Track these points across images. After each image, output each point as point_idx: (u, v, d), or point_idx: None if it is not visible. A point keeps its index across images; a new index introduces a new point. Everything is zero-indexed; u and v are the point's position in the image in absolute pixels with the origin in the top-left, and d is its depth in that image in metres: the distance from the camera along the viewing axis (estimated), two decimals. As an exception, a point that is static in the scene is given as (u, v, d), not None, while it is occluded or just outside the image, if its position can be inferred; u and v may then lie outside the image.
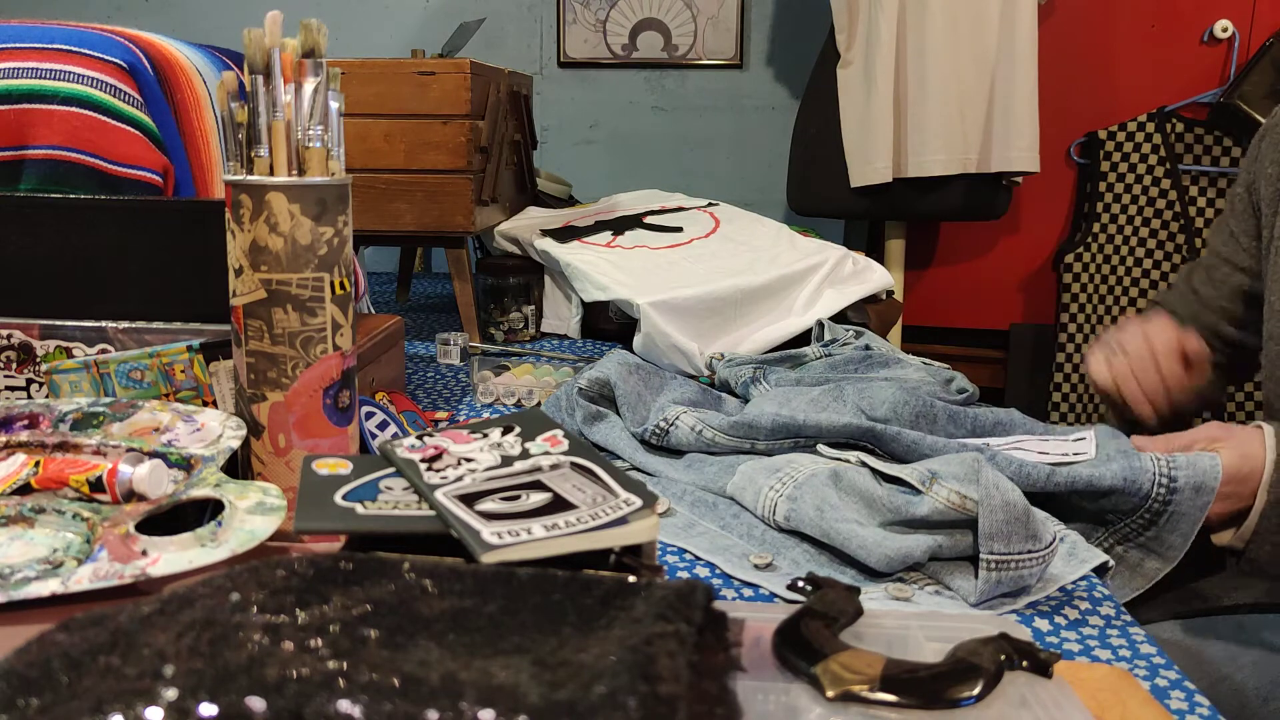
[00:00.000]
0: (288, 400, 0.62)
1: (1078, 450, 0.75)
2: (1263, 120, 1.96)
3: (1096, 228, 2.15)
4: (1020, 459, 0.72)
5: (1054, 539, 0.62)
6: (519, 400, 1.03)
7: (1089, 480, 0.71)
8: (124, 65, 0.86)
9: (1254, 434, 0.74)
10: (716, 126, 2.40)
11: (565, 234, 1.32)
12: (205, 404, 0.71)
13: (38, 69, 0.83)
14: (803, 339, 1.16)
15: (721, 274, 1.19)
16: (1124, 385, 0.93)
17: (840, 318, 1.20)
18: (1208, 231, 2.07)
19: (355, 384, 0.66)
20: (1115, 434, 0.78)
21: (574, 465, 0.52)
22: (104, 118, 0.83)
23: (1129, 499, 0.71)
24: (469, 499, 0.48)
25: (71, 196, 0.75)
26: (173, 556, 0.53)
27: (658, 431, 0.84)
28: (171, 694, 0.32)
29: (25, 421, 0.66)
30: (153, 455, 0.62)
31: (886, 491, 0.67)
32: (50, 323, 0.73)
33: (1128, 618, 0.61)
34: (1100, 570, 0.67)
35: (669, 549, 0.69)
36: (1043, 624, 0.60)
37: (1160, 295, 1.11)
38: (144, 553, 0.53)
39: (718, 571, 0.66)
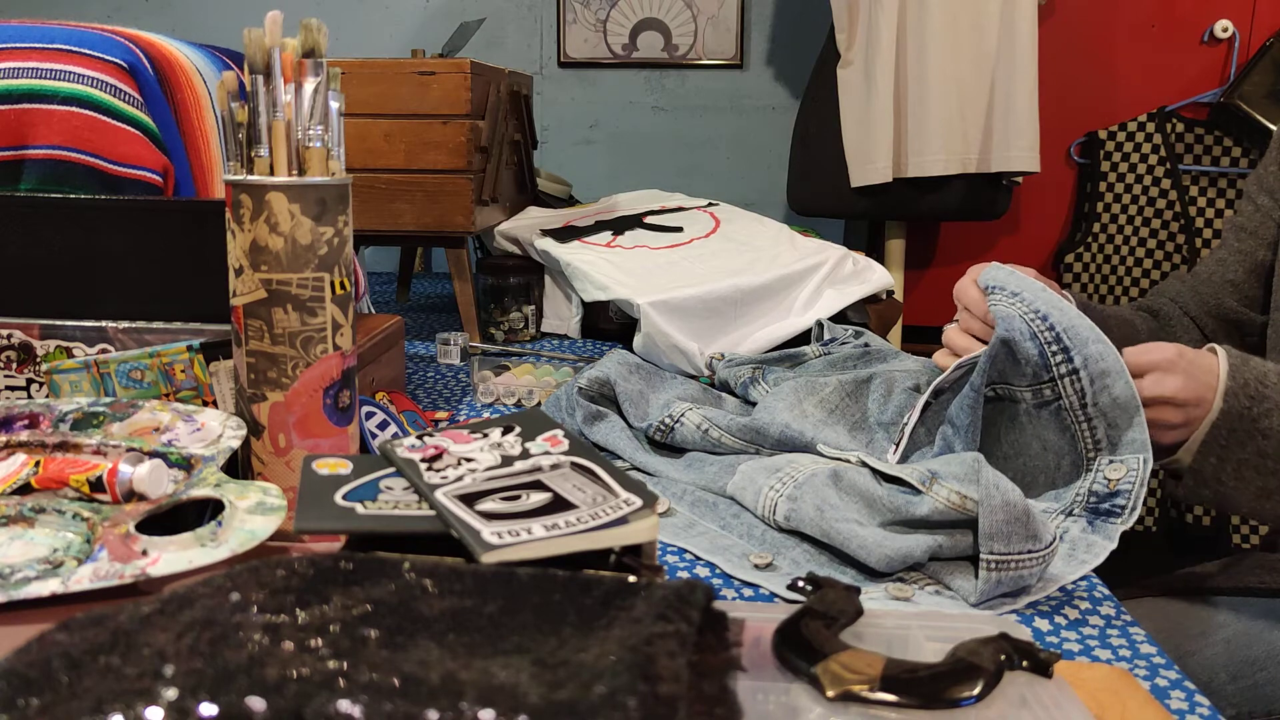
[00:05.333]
0: (288, 400, 0.62)
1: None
2: (1263, 120, 1.97)
3: (1096, 228, 2.15)
4: (961, 401, 0.74)
5: (1054, 539, 0.62)
6: (519, 400, 1.03)
7: (988, 356, 0.72)
8: (124, 65, 0.86)
9: (1207, 356, 0.74)
10: (716, 126, 2.40)
11: (565, 234, 1.32)
12: (205, 404, 0.71)
13: (38, 69, 0.83)
14: (803, 339, 1.16)
15: (721, 274, 1.19)
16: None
17: (840, 318, 1.20)
18: (1219, 223, 2.08)
19: (355, 384, 0.66)
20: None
21: (574, 465, 0.52)
22: (104, 118, 0.83)
23: (1025, 346, 0.71)
24: (469, 499, 0.48)
25: (72, 196, 0.75)
26: (173, 556, 0.53)
27: (662, 428, 0.84)
28: (171, 694, 0.32)
29: (25, 421, 0.66)
30: (153, 455, 0.63)
31: (886, 491, 0.67)
32: (50, 323, 0.73)
33: (1128, 617, 0.61)
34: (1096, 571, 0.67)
35: (669, 549, 0.69)
36: (1043, 624, 0.60)
37: (1153, 290, 1.11)
38: (144, 553, 0.53)
39: (718, 571, 0.66)
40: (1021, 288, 0.74)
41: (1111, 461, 0.70)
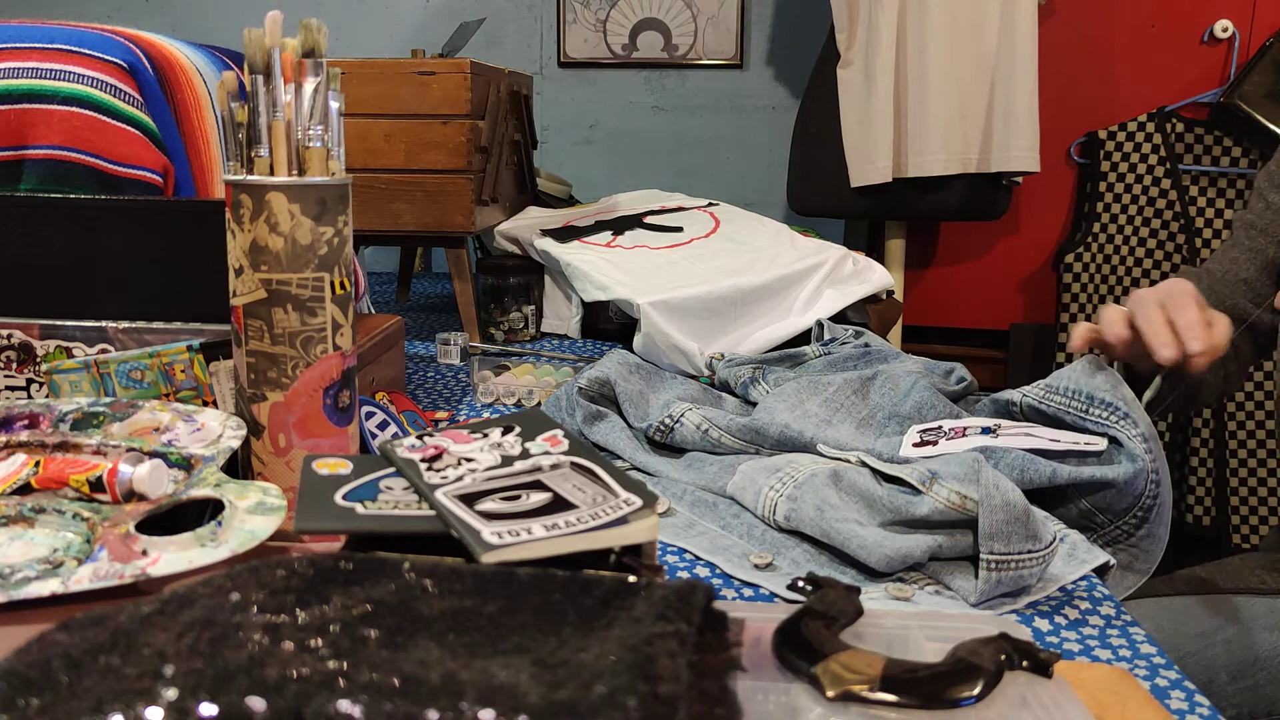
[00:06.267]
0: (288, 400, 0.62)
1: (1089, 440, 0.75)
2: (1263, 120, 1.97)
3: (1096, 228, 2.15)
4: (1026, 454, 0.72)
5: (1054, 539, 0.62)
6: (519, 400, 1.03)
7: (1091, 477, 0.71)
8: (124, 65, 0.86)
9: None
10: (716, 126, 2.40)
11: (565, 234, 1.32)
12: (205, 404, 0.71)
13: (38, 69, 0.83)
14: (803, 339, 1.16)
15: (721, 274, 1.19)
16: (1145, 321, 0.78)
17: (840, 318, 1.20)
18: (1219, 223, 2.07)
19: (355, 384, 0.66)
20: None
21: (574, 465, 0.52)
22: (104, 118, 0.83)
23: (1124, 498, 0.71)
24: (469, 499, 0.48)
25: (72, 196, 0.75)
26: (173, 556, 0.53)
27: (662, 428, 0.84)
28: (171, 694, 0.32)
29: (25, 421, 0.66)
30: (153, 455, 0.63)
31: (886, 491, 0.67)
32: (50, 323, 0.73)
33: (1128, 617, 0.61)
34: (1100, 570, 0.67)
35: (669, 549, 0.69)
36: (1043, 624, 0.60)
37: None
38: (144, 553, 0.53)
39: (718, 571, 0.66)
40: (1150, 434, 0.74)
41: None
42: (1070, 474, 0.71)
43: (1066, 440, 0.74)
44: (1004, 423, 0.80)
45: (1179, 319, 0.76)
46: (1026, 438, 0.76)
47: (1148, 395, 0.87)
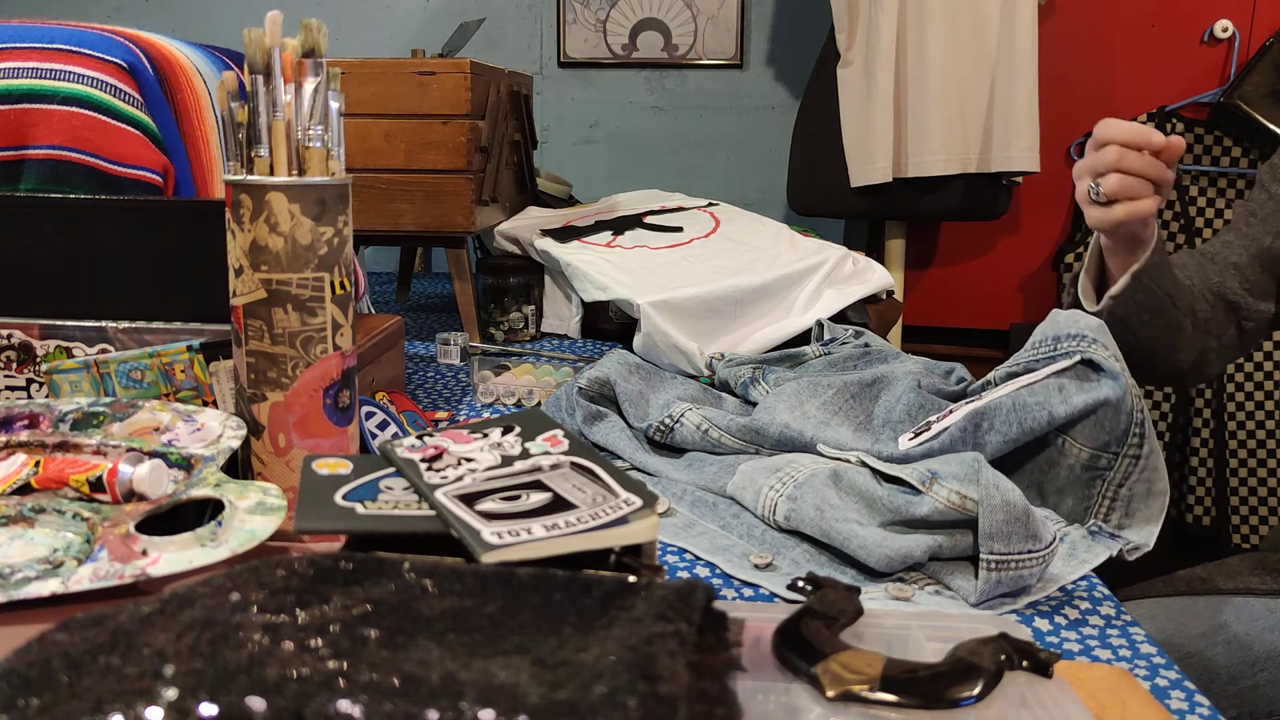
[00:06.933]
0: (288, 400, 0.62)
1: (1061, 363, 0.75)
2: (1263, 120, 1.97)
3: (1096, 228, 2.15)
4: (1020, 406, 0.73)
5: (1054, 539, 0.62)
6: (519, 400, 1.03)
7: (1085, 404, 0.71)
8: (124, 65, 0.86)
9: None
10: (716, 126, 2.40)
11: (565, 234, 1.32)
12: (205, 404, 0.71)
13: (38, 69, 0.83)
14: (803, 339, 1.16)
15: (721, 274, 1.19)
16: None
17: (840, 318, 1.20)
18: (1219, 223, 2.07)
19: (355, 384, 0.66)
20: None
21: (574, 465, 0.52)
22: (104, 118, 0.83)
23: (1120, 417, 0.71)
24: (469, 499, 0.48)
25: (72, 196, 0.75)
26: (173, 556, 0.53)
27: (662, 428, 0.84)
28: (171, 694, 0.32)
29: (25, 421, 0.66)
30: (153, 455, 0.62)
31: (886, 491, 0.67)
32: (50, 323, 0.73)
33: (1128, 617, 0.61)
34: (1100, 566, 0.67)
35: (669, 549, 0.69)
36: (1043, 624, 0.60)
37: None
38: (144, 553, 0.53)
39: (718, 571, 0.66)
40: (1119, 356, 0.73)
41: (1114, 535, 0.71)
42: (1066, 411, 0.71)
43: (1043, 372, 0.75)
44: (984, 394, 0.81)
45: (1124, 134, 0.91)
46: (1007, 385, 0.77)
47: (1116, 288, 0.91)
